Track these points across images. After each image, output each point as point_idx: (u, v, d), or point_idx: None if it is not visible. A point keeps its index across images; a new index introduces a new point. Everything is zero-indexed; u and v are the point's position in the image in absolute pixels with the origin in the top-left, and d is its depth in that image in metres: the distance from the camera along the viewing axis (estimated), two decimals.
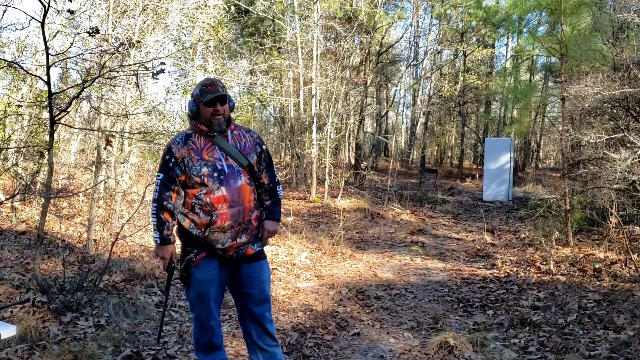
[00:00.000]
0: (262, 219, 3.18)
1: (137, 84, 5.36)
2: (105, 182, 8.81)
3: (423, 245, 8.59)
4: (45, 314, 4.15)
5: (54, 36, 7.85)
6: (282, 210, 3.30)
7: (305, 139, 14.77)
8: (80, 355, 3.40)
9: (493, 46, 23.71)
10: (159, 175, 3.03)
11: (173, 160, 2.99)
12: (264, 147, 3.25)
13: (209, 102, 2.98)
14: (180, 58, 10.81)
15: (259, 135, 3.32)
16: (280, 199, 3.27)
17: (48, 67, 4.36)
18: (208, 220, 2.96)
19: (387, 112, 25.17)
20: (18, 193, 6.01)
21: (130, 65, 5.73)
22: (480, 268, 6.97)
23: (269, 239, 3.26)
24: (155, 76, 4.40)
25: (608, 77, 7.21)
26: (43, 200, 4.89)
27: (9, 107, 8.20)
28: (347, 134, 17.46)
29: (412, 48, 24.42)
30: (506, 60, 24.64)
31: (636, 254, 6.35)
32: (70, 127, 8.21)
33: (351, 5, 15.81)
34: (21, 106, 8.00)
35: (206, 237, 2.99)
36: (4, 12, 4.57)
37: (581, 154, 8.20)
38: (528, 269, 6.63)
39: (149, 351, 3.75)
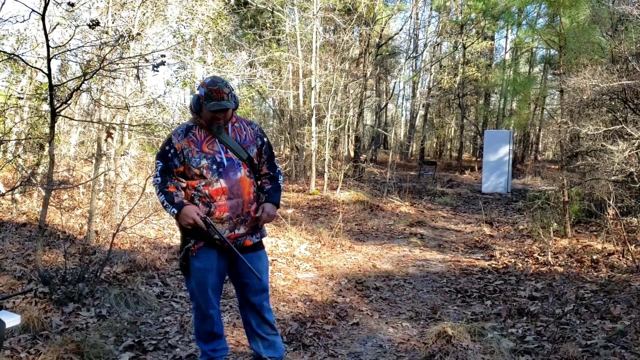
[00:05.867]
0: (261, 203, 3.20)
1: (137, 77, 5.38)
2: (106, 174, 8.83)
3: (422, 236, 8.63)
4: (47, 304, 4.19)
5: (54, 28, 7.84)
6: (282, 203, 3.33)
7: (305, 131, 14.79)
8: (82, 345, 3.44)
9: (492, 38, 23.69)
10: (158, 162, 3.04)
11: (172, 151, 3.02)
12: (265, 139, 3.27)
13: (212, 111, 2.98)
14: (179, 50, 10.80)
15: (260, 127, 3.35)
16: (281, 187, 3.29)
17: (49, 60, 4.37)
18: (206, 211, 2.99)
19: (386, 104, 25.16)
20: (20, 185, 6.03)
21: (131, 57, 5.74)
22: (478, 259, 7.02)
23: (266, 223, 3.22)
24: (155, 68, 4.42)
25: (606, 70, 7.22)
26: (44, 192, 4.92)
27: (9, 99, 8.20)
28: (346, 126, 17.47)
29: (412, 40, 24.40)
30: (505, 53, 24.63)
31: (633, 245, 6.39)
32: (71, 119, 8.23)
33: None
34: (21, 98, 8.01)
35: None
36: (3, 3, 4.57)
37: (579, 146, 8.25)
38: (526, 260, 6.67)
39: (151, 341, 3.80)
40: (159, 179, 3.01)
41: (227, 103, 2.96)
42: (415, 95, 24.92)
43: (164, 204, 2.96)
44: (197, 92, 3.06)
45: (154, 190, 3.07)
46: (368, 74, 16.86)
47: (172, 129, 3.30)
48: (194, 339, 3.79)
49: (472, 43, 21.73)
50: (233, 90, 3.10)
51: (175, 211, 2.92)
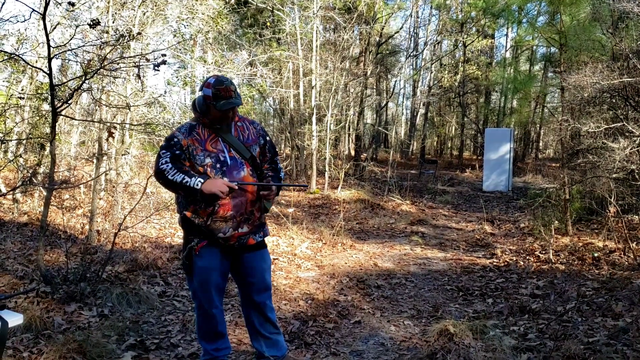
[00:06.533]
0: (264, 208, 3.22)
1: (138, 76, 5.39)
2: (107, 174, 8.84)
3: (423, 235, 8.63)
4: (49, 304, 4.19)
5: (54, 28, 7.83)
6: (282, 202, 3.32)
7: (305, 130, 14.78)
8: (84, 344, 3.44)
9: (493, 36, 23.66)
10: (165, 152, 2.98)
11: (179, 145, 3.00)
12: (267, 138, 3.29)
13: (223, 110, 3.00)
14: (180, 50, 10.80)
15: (262, 126, 3.36)
16: (282, 179, 3.31)
17: (49, 59, 4.37)
18: (210, 209, 2.99)
19: (387, 103, 25.14)
20: (21, 185, 6.03)
21: (131, 57, 5.74)
22: (480, 257, 7.02)
23: (270, 198, 3.19)
24: (156, 68, 4.42)
25: (607, 67, 7.21)
26: (45, 192, 4.92)
27: (9, 99, 8.21)
28: (346, 125, 17.46)
29: (412, 39, 24.39)
30: (506, 51, 24.60)
31: (635, 243, 6.39)
32: (72, 118, 8.23)
33: None
34: (22, 98, 8.01)
35: (208, 226, 3.02)
36: (3, 3, 4.57)
37: (580, 144, 8.23)
38: (527, 258, 6.67)
39: (153, 340, 3.80)
40: (169, 165, 2.94)
41: (236, 100, 3.01)
42: (415, 94, 24.89)
43: (184, 181, 2.89)
44: (201, 93, 3.05)
45: (164, 175, 2.93)
46: (368, 72, 16.85)
47: (174, 128, 3.30)
48: (196, 338, 3.80)
49: (473, 41, 21.71)
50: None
51: (202, 180, 2.89)
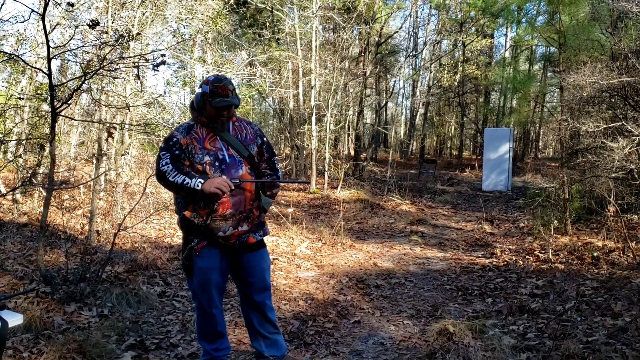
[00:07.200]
0: (262, 208, 3.22)
1: (138, 76, 5.39)
2: (106, 174, 8.84)
3: (422, 235, 8.63)
4: (49, 304, 4.19)
5: (53, 28, 7.83)
6: (282, 202, 3.33)
7: (305, 130, 14.78)
8: (84, 344, 3.44)
9: (492, 36, 23.68)
10: (164, 154, 3.00)
11: (178, 145, 3.01)
12: (265, 139, 3.30)
13: (218, 107, 3.02)
14: (179, 50, 10.80)
15: (259, 127, 3.37)
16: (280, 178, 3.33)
17: (49, 60, 4.38)
18: (210, 208, 3.00)
19: (386, 103, 25.15)
20: (21, 185, 6.04)
21: (131, 57, 5.75)
22: (479, 257, 7.02)
23: (273, 195, 3.21)
24: (156, 68, 4.43)
25: (606, 67, 7.22)
26: (45, 192, 4.92)
27: (9, 100, 8.21)
28: (346, 125, 17.46)
29: (411, 38, 24.41)
30: (505, 51, 24.61)
31: (634, 242, 6.39)
32: (71, 119, 8.23)
33: None
34: (22, 99, 8.01)
35: (208, 225, 3.02)
36: (3, 3, 4.57)
37: (580, 143, 8.24)
38: (527, 257, 6.67)
39: (153, 340, 3.81)
40: (170, 166, 2.95)
41: (232, 100, 3.02)
42: (415, 94, 24.90)
43: (184, 182, 2.89)
44: (200, 90, 3.07)
45: (165, 177, 2.94)
46: (368, 72, 16.85)
47: (173, 129, 3.31)
48: (195, 338, 3.80)
49: (472, 41, 21.72)
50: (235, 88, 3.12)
51: (202, 181, 2.89)
